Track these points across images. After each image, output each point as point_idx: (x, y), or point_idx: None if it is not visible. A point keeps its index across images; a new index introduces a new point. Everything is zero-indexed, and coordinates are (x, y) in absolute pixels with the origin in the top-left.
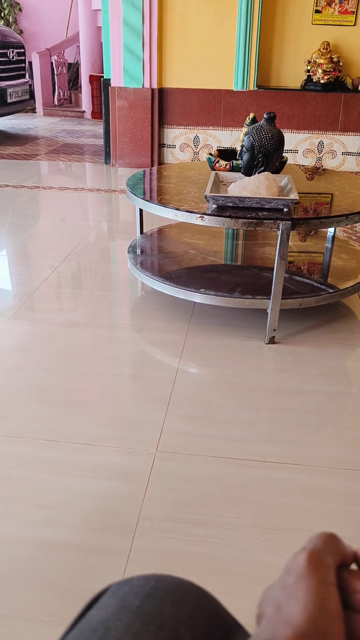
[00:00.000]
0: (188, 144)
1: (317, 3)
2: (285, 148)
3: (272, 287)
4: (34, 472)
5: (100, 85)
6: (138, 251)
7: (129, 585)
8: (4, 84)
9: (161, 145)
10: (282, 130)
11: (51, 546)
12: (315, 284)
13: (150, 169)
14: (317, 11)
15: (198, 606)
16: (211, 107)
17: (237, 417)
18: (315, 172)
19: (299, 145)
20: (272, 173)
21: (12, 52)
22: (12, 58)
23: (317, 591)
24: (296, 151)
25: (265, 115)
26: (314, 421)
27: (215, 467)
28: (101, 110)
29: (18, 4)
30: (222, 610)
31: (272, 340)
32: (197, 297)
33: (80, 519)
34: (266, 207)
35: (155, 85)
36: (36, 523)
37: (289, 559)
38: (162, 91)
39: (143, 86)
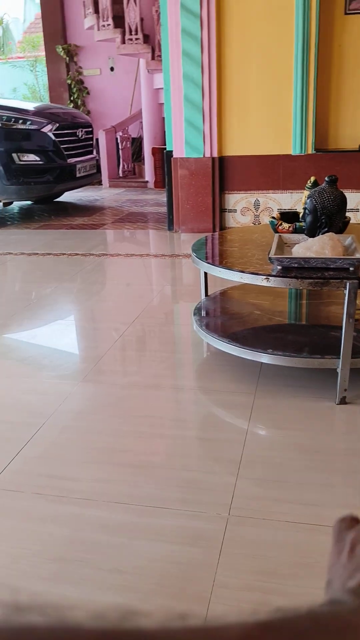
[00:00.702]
0: (249, 208)
1: None
2: (348, 207)
3: (342, 346)
4: (105, 535)
5: (162, 156)
6: (203, 313)
7: None
8: (73, 160)
9: (222, 210)
10: (344, 190)
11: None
12: None
13: (214, 234)
14: None
15: None
16: (270, 171)
17: (310, 481)
18: None
19: None
20: (336, 233)
21: (81, 131)
22: (81, 137)
23: None
24: (357, 209)
25: (326, 179)
26: None
27: (291, 533)
28: (163, 179)
29: (86, 88)
30: None
31: (343, 401)
32: (265, 358)
33: (152, 585)
34: (331, 266)
35: (215, 154)
36: (109, 588)
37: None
38: (222, 159)
39: (204, 156)
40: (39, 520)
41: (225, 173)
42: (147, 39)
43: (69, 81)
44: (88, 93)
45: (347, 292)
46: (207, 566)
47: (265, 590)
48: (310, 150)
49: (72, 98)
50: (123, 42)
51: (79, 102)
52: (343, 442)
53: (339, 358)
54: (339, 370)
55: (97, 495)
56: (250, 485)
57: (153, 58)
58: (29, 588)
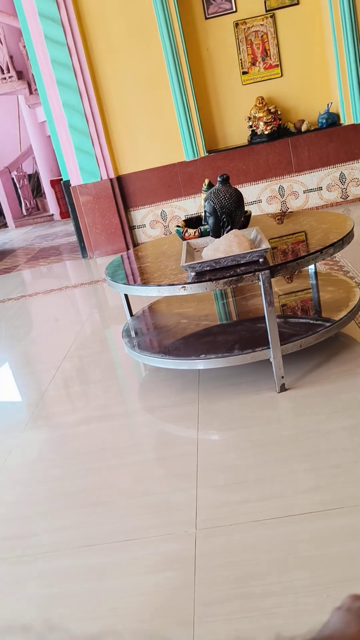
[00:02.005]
0: (157, 220)
1: (242, 65)
2: (248, 200)
3: (269, 335)
4: (78, 583)
5: (62, 187)
6: (132, 333)
7: None
8: None
9: (132, 228)
10: (240, 184)
11: None
12: (311, 322)
13: (127, 253)
14: (244, 72)
15: None
16: (170, 181)
17: (268, 474)
18: (282, 216)
19: (261, 195)
20: (240, 229)
21: None
22: None
23: None
24: (260, 201)
25: (218, 179)
26: (345, 459)
27: (259, 532)
28: (68, 209)
29: None
30: None
31: (283, 388)
32: (200, 364)
33: (135, 622)
34: (242, 262)
35: (112, 175)
36: (91, 637)
37: None
38: (120, 178)
39: (101, 178)
40: (5, 584)
41: (126, 191)
42: (20, 75)
43: None
44: None
45: (261, 283)
46: (184, 588)
47: (246, 596)
48: (202, 153)
49: None
50: None
51: None
52: (293, 428)
53: (269, 347)
54: (272, 359)
55: (61, 545)
56: (212, 494)
57: (31, 92)
58: None
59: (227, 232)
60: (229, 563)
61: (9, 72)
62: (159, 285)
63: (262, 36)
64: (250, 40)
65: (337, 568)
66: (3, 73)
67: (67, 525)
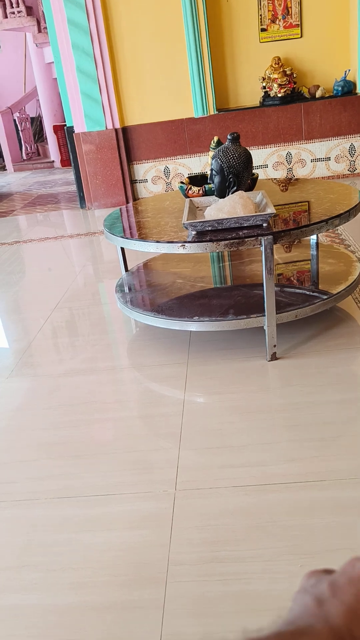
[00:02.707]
0: (159, 176)
1: (261, 22)
2: (254, 164)
3: (265, 304)
4: (53, 534)
5: (65, 133)
6: (126, 289)
7: None
8: None
9: (133, 182)
10: (248, 147)
11: (82, 611)
12: (308, 293)
13: (126, 206)
14: (262, 30)
15: None
16: (176, 137)
17: (252, 441)
18: (288, 183)
19: (267, 160)
20: (245, 191)
21: None
22: None
23: None
24: (266, 166)
25: (229, 137)
26: (330, 432)
27: (239, 497)
28: (69, 157)
29: None
30: None
31: (274, 357)
32: (192, 326)
33: (108, 576)
34: (245, 225)
35: (118, 125)
36: (63, 588)
37: (347, 561)
38: (125, 129)
39: (106, 128)
40: None
41: (130, 143)
42: (30, 11)
43: None
44: None
45: (263, 248)
46: (159, 547)
47: (219, 559)
48: (212, 111)
49: None
50: (5, 16)
51: None
52: (280, 398)
53: (264, 315)
54: (265, 327)
55: (38, 494)
56: (194, 456)
57: (40, 31)
58: None
59: (232, 193)
60: (205, 526)
61: (18, 6)
62: (157, 242)
63: None
64: None
65: (314, 540)
66: (12, 7)
67: (47, 475)
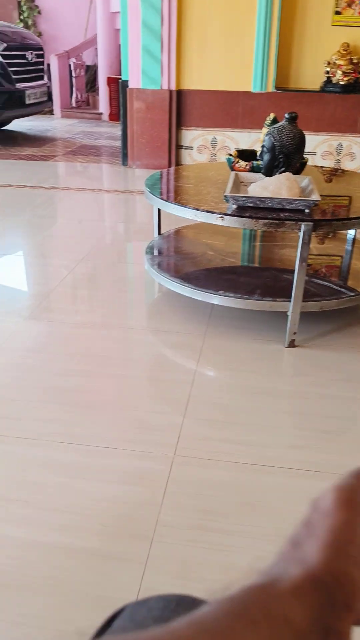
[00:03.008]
0: (206, 146)
1: (337, 4)
2: (305, 149)
3: (293, 290)
4: (50, 475)
5: (118, 87)
6: (156, 252)
7: (146, 608)
8: (22, 85)
9: (179, 147)
10: None
11: (66, 552)
12: (336, 287)
13: (169, 170)
14: (337, 12)
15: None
16: (229, 108)
17: (256, 422)
18: (334, 173)
19: (317, 147)
20: (293, 174)
21: (31, 54)
22: (31, 60)
23: (341, 532)
24: (314, 153)
25: (286, 115)
26: (335, 427)
27: (235, 473)
28: (119, 112)
29: (37, 6)
30: None
31: (292, 344)
32: (216, 299)
33: (96, 524)
34: (287, 207)
35: (173, 87)
36: (51, 528)
37: (319, 495)
38: (180, 93)
39: (161, 88)
40: None
41: (182, 108)
42: None
43: None
44: (39, 12)
45: (301, 234)
46: (151, 505)
47: (207, 528)
48: (270, 88)
49: (21, 17)
50: None
51: (29, 22)
52: (290, 385)
53: (290, 301)
54: (289, 313)
55: (41, 435)
56: (197, 426)
57: None
58: None
59: (279, 173)
60: (198, 494)
61: None
62: (196, 209)
63: None
64: None
65: None
66: None
67: (51, 419)
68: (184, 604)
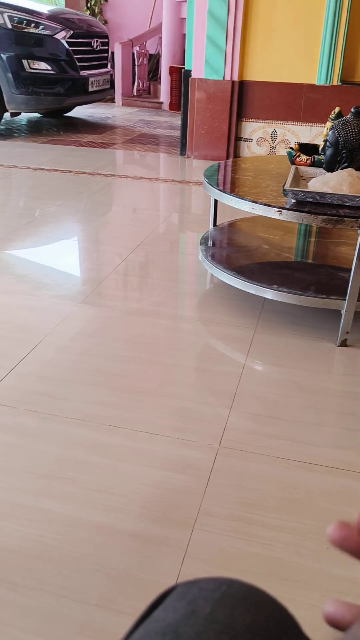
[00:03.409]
0: (265, 138)
1: None
2: None
3: (349, 288)
4: (96, 456)
5: (180, 77)
6: (210, 243)
7: (197, 588)
8: (86, 72)
9: (238, 139)
10: None
11: (109, 531)
12: None
13: (227, 161)
14: None
15: (272, 618)
16: (291, 101)
17: (303, 419)
18: None
19: None
20: (356, 170)
21: (97, 42)
22: (96, 48)
23: None
24: None
25: (352, 110)
26: None
27: (280, 469)
28: (179, 101)
29: None
30: (296, 623)
31: (344, 343)
32: (269, 294)
33: (139, 508)
34: (348, 204)
35: (236, 78)
36: (96, 507)
37: None
38: (242, 84)
39: (224, 78)
40: (30, 436)
41: (244, 99)
42: None
43: None
44: (106, 0)
45: None
46: (193, 494)
47: (248, 520)
48: (335, 81)
49: (89, 5)
50: None
51: (96, 10)
52: (340, 384)
53: (345, 300)
54: (343, 311)
55: (90, 417)
56: (243, 419)
57: None
58: (15, 501)
59: (342, 169)
60: (241, 487)
61: None
62: (254, 202)
63: None
64: None
65: None
66: None
67: (99, 402)
68: (234, 586)
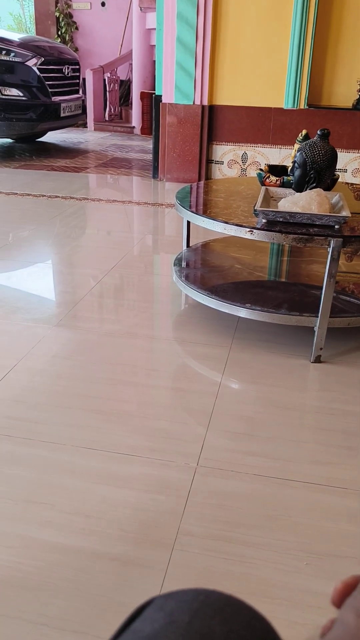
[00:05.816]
0: (236, 161)
1: None
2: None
3: (321, 305)
4: (74, 479)
5: (151, 102)
6: (184, 264)
7: (175, 599)
8: (58, 99)
9: (209, 161)
10: None
11: (88, 555)
12: None
13: (199, 183)
14: None
15: (249, 627)
16: (261, 124)
17: (280, 436)
18: None
19: (348, 165)
20: (324, 190)
21: (68, 68)
22: (67, 74)
23: None
24: (345, 170)
25: (319, 132)
26: (359, 444)
27: (258, 486)
28: (151, 126)
29: (75, 22)
30: (274, 632)
31: (318, 359)
32: (243, 312)
33: (118, 530)
34: (317, 223)
35: (205, 102)
36: (74, 531)
37: None
38: (212, 108)
39: (194, 102)
40: (6, 461)
41: (214, 123)
42: None
43: (57, 14)
44: (77, 28)
45: (330, 250)
46: (172, 514)
47: (227, 539)
48: (302, 105)
49: (59, 33)
50: None
51: (67, 38)
52: (315, 400)
53: (317, 317)
54: (316, 328)
55: (66, 440)
56: (220, 437)
57: None
58: None
59: (310, 189)
60: (220, 505)
61: None
62: (226, 222)
63: None
64: None
65: (324, 542)
66: None
67: (75, 424)
68: (212, 597)
